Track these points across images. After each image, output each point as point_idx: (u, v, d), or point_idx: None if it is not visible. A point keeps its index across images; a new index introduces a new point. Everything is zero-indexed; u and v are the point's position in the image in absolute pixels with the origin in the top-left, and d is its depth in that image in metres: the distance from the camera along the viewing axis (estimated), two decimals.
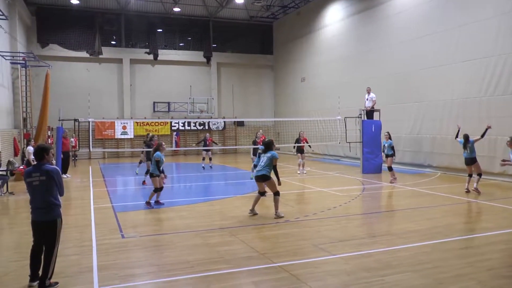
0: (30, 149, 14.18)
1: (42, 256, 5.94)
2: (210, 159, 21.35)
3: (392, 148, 15.75)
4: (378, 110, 19.47)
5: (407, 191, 13.77)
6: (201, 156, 21.73)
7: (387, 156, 15.74)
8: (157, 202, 11.71)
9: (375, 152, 18.62)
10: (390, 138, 15.94)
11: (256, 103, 34.73)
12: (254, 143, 17.74)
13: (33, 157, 13.77)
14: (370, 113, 19.38)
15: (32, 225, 6.03)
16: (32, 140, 15.58)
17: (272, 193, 10.28)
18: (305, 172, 18.59)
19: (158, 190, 11.62)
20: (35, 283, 5.89)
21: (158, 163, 11.56)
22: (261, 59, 35.12)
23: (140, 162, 20.12)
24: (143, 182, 16.10)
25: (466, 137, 12.99)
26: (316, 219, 9.91)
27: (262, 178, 10.20)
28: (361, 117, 19.32)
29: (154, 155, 11.61)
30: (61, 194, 6.11)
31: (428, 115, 19.06)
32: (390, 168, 15.70)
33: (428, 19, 19.11)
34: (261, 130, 20.75)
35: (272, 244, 7.80)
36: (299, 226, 9.26)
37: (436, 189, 13.87)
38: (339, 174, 18.12)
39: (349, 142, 19.65)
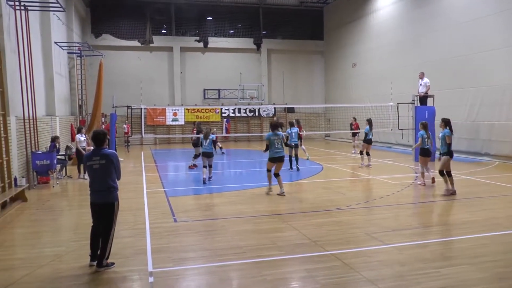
0: (78, 137, 14.69)
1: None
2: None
3: (366, 134, 16.58)
4: (432, 96, 18.77)
5: (462, 180, 13.25)
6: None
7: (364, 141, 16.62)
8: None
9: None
10: (369, 124, 16.62)
11: (307, 90, 34.44)
12: None
13: (83, 145, 14.38)
14: (423, 99, 18.73)
15: (91, 207, 6.26)
16: (83, 128, 16.04)
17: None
18: (353, 152, 20.21)
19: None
20: (95, 263, 6.13)
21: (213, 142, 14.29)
22: (311, 45, 34.68)
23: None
24: (191, 166, 16.59)
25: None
26: (368, 207, 9.76)
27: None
28: (414, 103, 18.73)
29: (212, 136, 13.60)
30: (118, 178, 6.31)
31: (486, 101, 18.22)
32: (367, 153, 16.51)
33: None
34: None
35: (324, 231, 7.72)
36: (350, 214, 9.13)
37: (494, 179, 13.24)
38: (391, 162, 17.71)
39: (401, 129, 19.16)
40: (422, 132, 12.34)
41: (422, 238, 7.30)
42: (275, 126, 11.49)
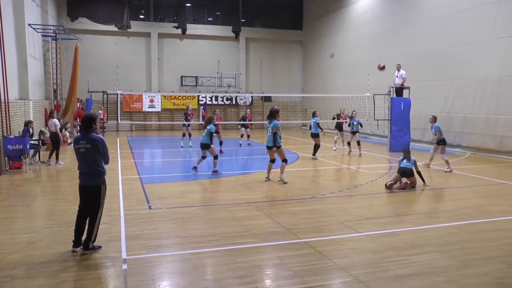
0: (55, 121, 14.45)
1: (87, 221, 6.19)
2: (248, 136, 20.76)
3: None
4: (408, 88, 19.07)
5: (435, 170, 13.54)
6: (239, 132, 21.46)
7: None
8: (215, 172, 12.47)
9: (403, 130, 18.34)
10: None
11: (284, 79, 34.49)
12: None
13: (63, 128, 14.01)
14: (399, 90, 19.01)
15: (79, 189, 6.29)
16: (55, 112, 15.71)
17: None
18: (345, 148, 18.91)
19: (216, 157, 12.59)
20: (78, 249, 6.11)
21: (211, 134, 12.55)
22: (290, 35, 34.67)
23: (183, 135, 19.60)
24: (221, 151, 17.12)
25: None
26: (342, 196, 9.88)
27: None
28: (390, 95, 18.97)
29: (209, 127, 12.54)
30: (106, 163, 6.34)
31: (460, 94, 18.58)
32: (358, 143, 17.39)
33: None
34: (217, 110, 21.39)
35: (298, 220, 7.81)
36: (325, 203, 9.24)
37: (465, 170, 13.61)
38: (366, 152, 17.92)
39: (377, 120, 19.38)
40: (437, 124, 13.37)
41: (394, 226, 7.46)
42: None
